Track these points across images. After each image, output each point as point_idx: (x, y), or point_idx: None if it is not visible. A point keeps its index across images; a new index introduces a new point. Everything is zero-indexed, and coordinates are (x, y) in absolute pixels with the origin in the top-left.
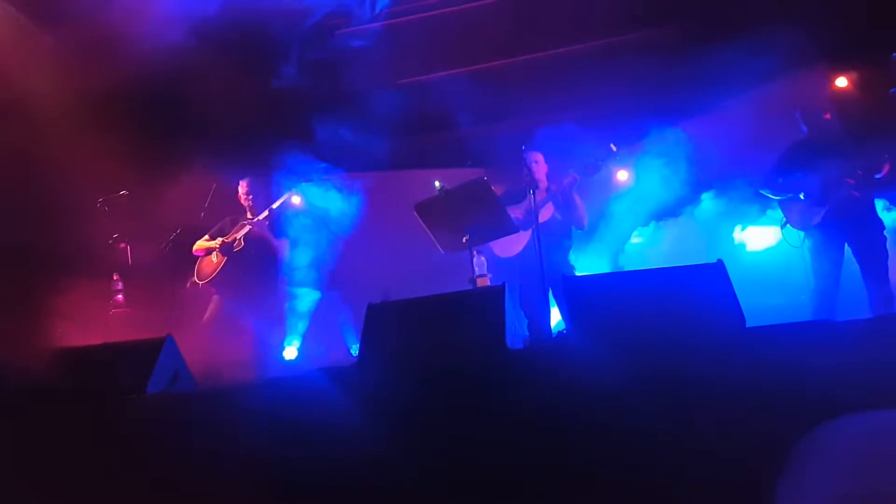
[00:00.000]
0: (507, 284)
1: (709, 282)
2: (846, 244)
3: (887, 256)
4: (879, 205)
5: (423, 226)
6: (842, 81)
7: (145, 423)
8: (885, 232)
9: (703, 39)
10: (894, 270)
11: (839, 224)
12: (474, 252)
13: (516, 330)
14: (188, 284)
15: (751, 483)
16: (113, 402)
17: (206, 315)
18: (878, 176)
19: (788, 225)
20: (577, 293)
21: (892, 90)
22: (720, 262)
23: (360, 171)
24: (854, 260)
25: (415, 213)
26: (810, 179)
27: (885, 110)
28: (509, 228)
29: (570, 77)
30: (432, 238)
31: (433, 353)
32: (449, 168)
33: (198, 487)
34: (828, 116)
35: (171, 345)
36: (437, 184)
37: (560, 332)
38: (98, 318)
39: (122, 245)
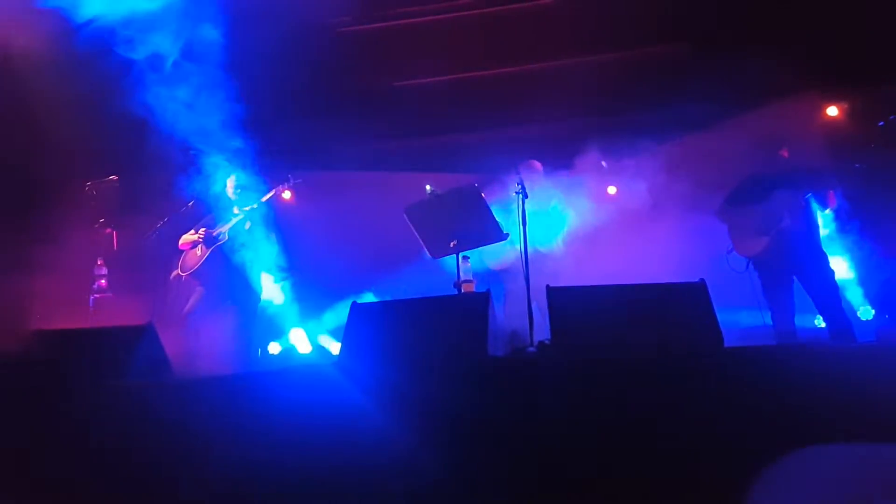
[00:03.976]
0: (491, 292)
1: (690, 300)
2: (794, 277)
3: (837, 288)
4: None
5: (413, 229)
6: (832, 111)
7: (123, 410)
8: (829, 264)
9: (701, 60)
10: None
11: (782, 255)
12: (461, 257)
13: (499, 337)
14: (172, 276)
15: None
16: (91, 387)
17: (187, 306)
18: (824, 209)
19: (734, 251)
20: (559, 304)
21: (880, 123)
22: (702, 281)
23: (353, 170)
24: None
25: (404, 216)
26: (755, 209)
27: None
28: (497, 236)
29: (568, 90)
30: (420, 241)
31: (414, 354)
32: (440, 172)
33: (171, 475)
34: (784, 154)
35: (152, 332)
36: (427, 188)
37: (541, 342)
38: (80, 301)
39: (108, 230)
